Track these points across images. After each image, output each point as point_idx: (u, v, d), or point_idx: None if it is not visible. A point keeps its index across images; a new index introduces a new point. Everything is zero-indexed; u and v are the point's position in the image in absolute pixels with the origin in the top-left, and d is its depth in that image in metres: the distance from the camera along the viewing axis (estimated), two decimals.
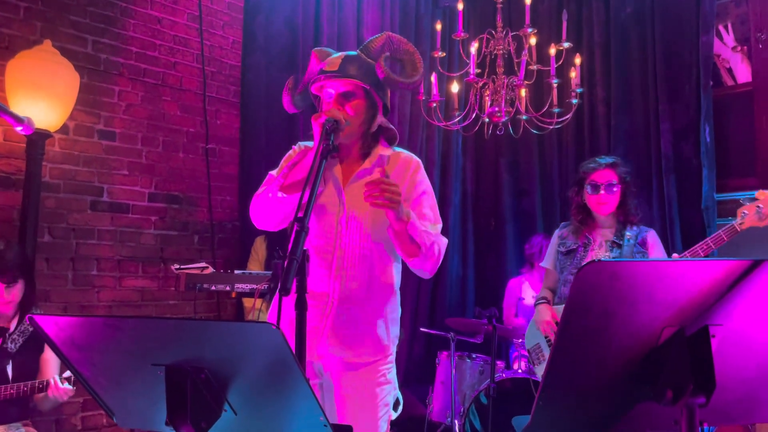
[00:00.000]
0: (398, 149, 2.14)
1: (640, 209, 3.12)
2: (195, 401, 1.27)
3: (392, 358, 2.09)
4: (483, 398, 3.80)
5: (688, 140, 4.06)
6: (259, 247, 3.99)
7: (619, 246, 3.00)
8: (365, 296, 1.99)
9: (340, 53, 2.04)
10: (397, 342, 2.12)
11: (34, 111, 3.12)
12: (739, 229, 2.67)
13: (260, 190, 2.01)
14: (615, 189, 3.01)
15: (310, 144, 2.06)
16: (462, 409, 3.85)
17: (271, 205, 1.94)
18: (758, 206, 2.62)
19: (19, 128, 2.21)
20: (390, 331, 2.07)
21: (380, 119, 2.05)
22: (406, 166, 2.09)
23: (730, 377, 1.20)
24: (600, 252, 3.05)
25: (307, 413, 1.26)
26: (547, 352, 3.21)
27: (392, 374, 2.08)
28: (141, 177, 3.95)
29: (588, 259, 3.02)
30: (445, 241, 2.03)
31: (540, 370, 3.25)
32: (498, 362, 3.87)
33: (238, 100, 4.48)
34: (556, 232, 3.26)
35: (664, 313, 1.14)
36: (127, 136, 3.90)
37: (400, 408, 2.13)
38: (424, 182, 2.10)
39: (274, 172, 2.05)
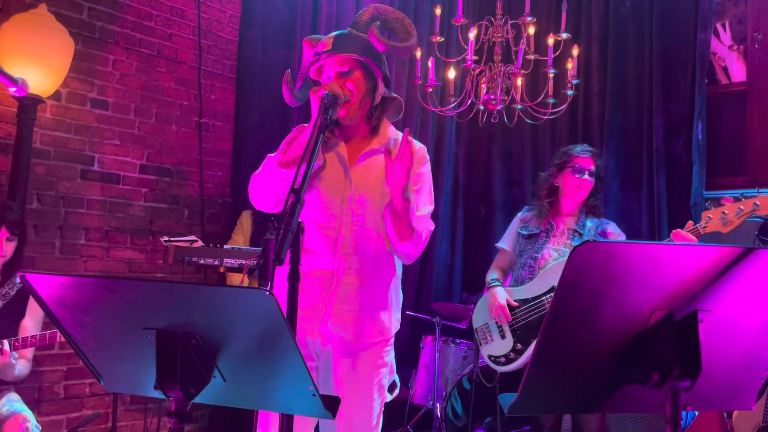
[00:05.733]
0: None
1: (603, 204, 3.25)
2: (185, 366, 1.28)
3: (392, 341, 2.10)
4: (465, 383, 3.83)
5: (680, 137, 4.08)
6: (245, 221, 3.96)
7: (580, 235, 3.07)
8: (370, 275, 2.00)
9: (330, 34, 2.04)
10: (398, 326, 2.12)
11: (26, 75, 3.08)
12: (702, 232, 2.73)
13: (259, 170, 1.99)
14: (593, 177, 3.11)
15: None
16: (444, 393, 3.88)
17: (269, 184, 1.93)
18: (723, 212, 2.67)
19: (12, 89, 2.20)
20: (393, 314, 2.08)
21: (382, 89, 2.05)
22: (413, 153, 2.06)
23: (715, 363, 1.22)
24: (561, 239, 3.12)
25: (296, 382, 1.27)
26: (496, 334, 3.18)
27: (390, 357, 2.09)
28: (133, 148, 3.92)
29: (549, 245, 3.10)
30: (432, 226, 2.05)
31: (487, 351, 3.21)
32: None
33: (234, 75, 4.45)
34: (519, 216, 3.31)
35: (655, 297, 1.15)
36: (120, 105, 3.87)
37: (396, 391, 2.14)
38: (429, 172, 2.12)
39: (270, 154, 2.04)
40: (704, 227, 2.72)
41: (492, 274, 3.27)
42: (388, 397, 2.11)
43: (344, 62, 1.97)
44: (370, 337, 2.01)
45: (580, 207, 3.15)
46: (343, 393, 1.96)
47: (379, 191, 1.99)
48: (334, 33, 2.03)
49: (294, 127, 2.13)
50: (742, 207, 2.64)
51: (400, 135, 2.09)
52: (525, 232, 3.19)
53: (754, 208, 2.63)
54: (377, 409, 2.04)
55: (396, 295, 2.12)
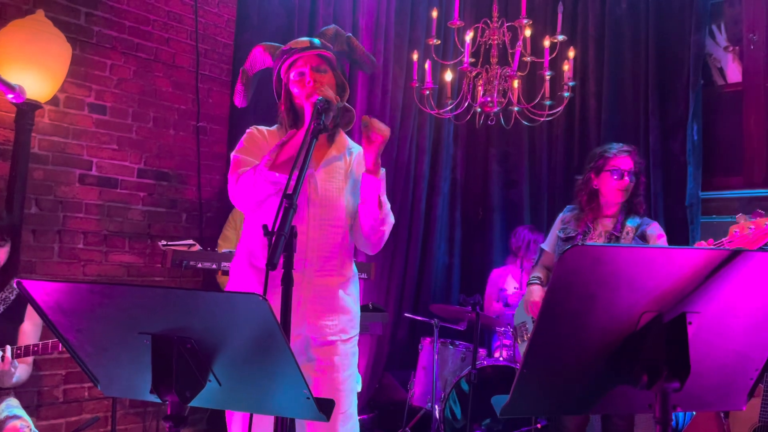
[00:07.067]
0: (356, 144, 2.27)
1: (645, 201, 3.08)
2: (180, 371, 1.29)
3: (358, 334, 2.19)
4: (464, 384, 3.84)
5: (676, 137, 4.10)
6: (239, 215, 3.91)
7: (617, 238, 2.95)
8: (337, 273, 2.09)
9: (300, 38, 2.15)
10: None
11: (24, 81, 3.09)
12: (728, 247, 2.67)
13: (241, 170, 2.02)
14: (633, 177, 2.96)
15: (263, 128, 2.19)
16: (443, 395, 3.89)
17: (256, 186, 1.95)
18: (750, 227, 2.60)
19: (10, 96, 2.21)
20: (358, 308, 2.19)
21: (346, 96, 2.16)
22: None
23: (705, 364, 1.23)
24: (599, 242, 2.97)
25: (291, 386, 1.28)
26: (530, 332, 3.29)
27: (357, 348, 2.18)
28: (131, 152, 3.94)
29: None
30: (393, 221, 2.15)
31: (523, 348, 3.38)
32: (480, 350, 3.91)
33: (231, 78, 4.46)
34: (560, 216, 3.18)
35: (644, 299, 1.16)
36: (117, 110, 3.88)
37: (359, 385, 2.22)
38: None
39: (238, 155, 2.09)
40: (729, 242, 2.59)
41: (535, 273, 3.22)
42: (358, 388, 2.19)
43: (321, 60, 2.07)
44: (343, 333, 2.09)
45: (621, 207, 3.00)
46: (323, 388, 2.03)
47: (342, 194, 2.11)
48: (305, 38, 2.13)
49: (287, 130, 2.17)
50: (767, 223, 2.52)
51: (354, 144, 2.23)
52: (563, 235, 3.08)
53: None
54: (355, 400, 2.13)
55: (358, 289, 2.22)
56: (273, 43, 2.19)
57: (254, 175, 1.95)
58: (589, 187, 3.03)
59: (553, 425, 3.22)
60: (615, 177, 2.94)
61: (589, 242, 2.97)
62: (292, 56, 2.06)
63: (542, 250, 3.30)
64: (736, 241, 2.57)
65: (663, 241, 2.96)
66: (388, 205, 2.09)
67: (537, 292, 3.09)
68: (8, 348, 2.64)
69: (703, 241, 2.71)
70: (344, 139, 2.21)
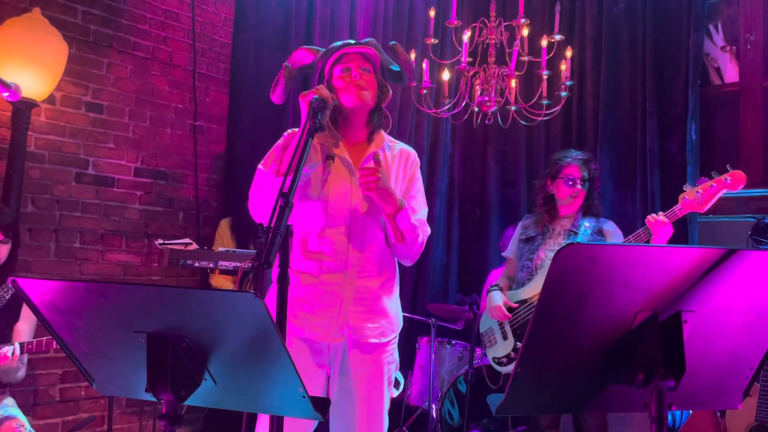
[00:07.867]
0: (396, 140, 2.26)
1: (601, 203, 3.29)
2: (175, 369, 1.29)
3: (397, 336, 2.17)
4: (461, 384, 3.84)
5: (674, 137, 4.09)
6: (224, 231, 3.90)
7: (576, 234, 3.12)
8: (379, 273, 2.07)
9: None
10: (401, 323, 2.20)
11: (20, 80, 3.07)
12: (679, 214, 2.74)
13: (255, 185, 2.01)
14: (586, 184, 3.15)
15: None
16: (440, 394, 3.89)
17: (268, 195, 1.93)
18: (697, 191, 2.69)
19: (5, 94, 2.21)
20: (400, 309, 2.18)
21: (386, 99, 2.16)
22: (407, 158, 2.21)
23: (700, 363, 1.23)
24: (557, 240, 3.17)
25: (286, 384, 1.28)
26: (498, 336, 3.30)
27: (397, 352, 2.16)
28: (127, 151, 3.93)
29: (545, 247, 3.15)
30: (428, 230, 2.14)
31: (492, 353, 3.35)
32: (477, 349, 3.91)
33: (228, 78, 4.46)
34: (520, 223, 3.38)
35: (639, 298, 1.16)
36: (114, 109, 3.88)
37: (401, 387, 2.19)
38: (420, 178, 2.24)
39: (260, 167, 2.07)
40: (680, 209, 2.74)
41: (497, 282, 3.37)
42: (395, 393, 2.16)
43: (365, 60, 2.08)
44: (384, 335, 2.08)
45: (578, 209, 3.19)
46: (361, 391, 2.03)
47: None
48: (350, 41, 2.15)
49: (286, 130, 2.16)
50: (714, 184, 2.70)
51: (393, 140, 2.22)
52: (524, 237, 3.27)
53: (726, 182, 2.67)
54: (387, 405, 2.11)
55: (398, 290, 2.20)
56: (316, 47, 2.19)
57: (264, 186, 1.94)
58: (544, 192, 3.25)
59: (532, 425, 3.28)
60: (567, 184, 3.15)
61: (549, 241, 3.16)
62: (339, 51, 2.06)
63: (506, 258, 3.42)
64: (686, 206, 2.74)
65: (619, 236, 3.12)
66: (416, 230, 2.06)
67: (498, 297, 3.23)
68: (17, 345, 2.64)
69: (654, 214, 2.81)
70: (383, 136, 2.19)
